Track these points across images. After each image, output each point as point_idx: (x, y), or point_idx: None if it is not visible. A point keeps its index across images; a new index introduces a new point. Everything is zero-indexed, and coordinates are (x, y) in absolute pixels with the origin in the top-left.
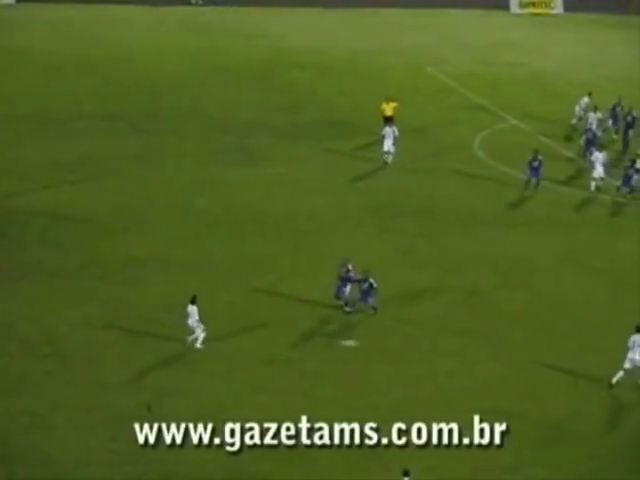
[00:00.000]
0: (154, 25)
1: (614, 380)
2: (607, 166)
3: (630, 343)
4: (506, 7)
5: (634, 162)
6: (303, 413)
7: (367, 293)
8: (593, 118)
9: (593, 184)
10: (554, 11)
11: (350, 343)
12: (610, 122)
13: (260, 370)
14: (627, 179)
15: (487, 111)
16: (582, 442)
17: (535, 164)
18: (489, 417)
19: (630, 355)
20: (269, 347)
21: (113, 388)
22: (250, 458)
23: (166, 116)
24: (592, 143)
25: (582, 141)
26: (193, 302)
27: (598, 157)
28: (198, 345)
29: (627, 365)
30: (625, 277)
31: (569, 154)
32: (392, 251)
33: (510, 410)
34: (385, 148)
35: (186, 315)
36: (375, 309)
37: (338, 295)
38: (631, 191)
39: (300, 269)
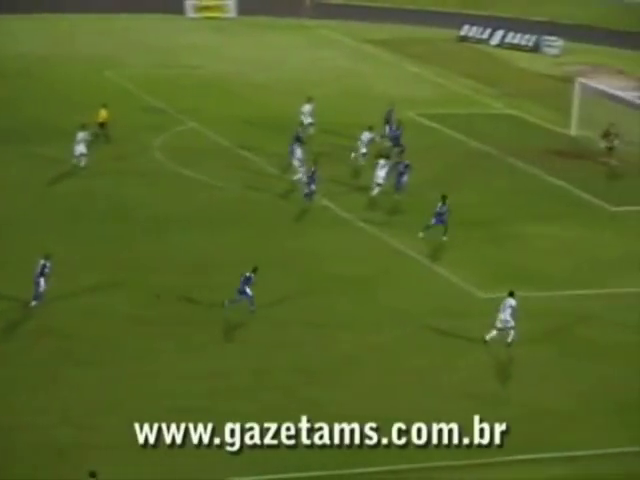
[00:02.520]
0: None
1: (488, 337)
2: (388, 172)
3: (502, 305)
4: (181, 11)
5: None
6: None
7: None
8: (367, 136)
9: (375, 189)
10: (228, 15)
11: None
12: (387, 128)
13: None
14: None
15: (166, 114)
16: None
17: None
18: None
19: (502, 316)
20: None
21: None
22: None
23: None
24: (298, 141)
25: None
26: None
27: (379, 163)
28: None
29: (499, 324)
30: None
31: (247, 154)
32: (79, 254)
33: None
34: (77, 153)
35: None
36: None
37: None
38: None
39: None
